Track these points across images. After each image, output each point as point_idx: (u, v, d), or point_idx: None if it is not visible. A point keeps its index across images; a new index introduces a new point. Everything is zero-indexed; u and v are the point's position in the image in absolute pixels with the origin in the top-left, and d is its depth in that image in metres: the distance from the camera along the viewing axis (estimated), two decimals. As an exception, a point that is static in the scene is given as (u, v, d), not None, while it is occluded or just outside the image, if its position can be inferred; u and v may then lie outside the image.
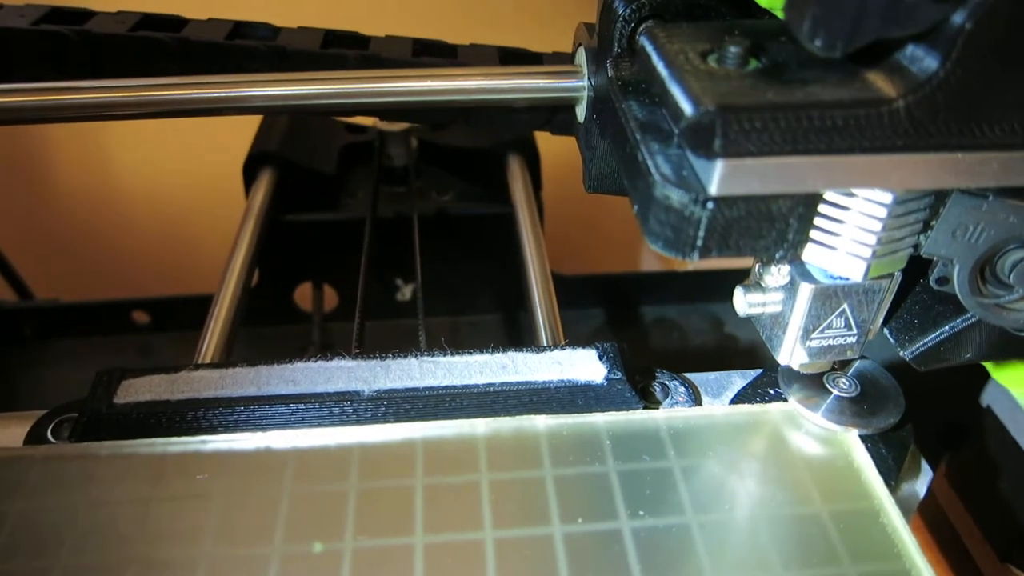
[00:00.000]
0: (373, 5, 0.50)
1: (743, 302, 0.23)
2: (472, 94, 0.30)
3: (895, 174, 0.19)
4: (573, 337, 0.32)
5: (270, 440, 0.25)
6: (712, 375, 0.28)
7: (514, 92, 0.30)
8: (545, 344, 0.33)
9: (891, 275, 0.22)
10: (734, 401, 0.27)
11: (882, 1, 0.16)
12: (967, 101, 0.18)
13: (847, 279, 0.22)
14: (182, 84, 0.29)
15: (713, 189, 0.18)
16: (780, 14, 0.22)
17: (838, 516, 0.23)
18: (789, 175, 0.18)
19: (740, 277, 0.25)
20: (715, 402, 0.27)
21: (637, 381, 0.26)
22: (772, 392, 0.26)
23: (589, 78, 0.28)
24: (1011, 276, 0.22)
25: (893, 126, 0.18)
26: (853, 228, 0.20)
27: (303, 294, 0.50)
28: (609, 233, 0.71)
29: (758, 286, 0.23)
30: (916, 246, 0.22)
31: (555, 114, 0.35)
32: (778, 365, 0.26)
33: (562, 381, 0.26)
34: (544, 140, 0.48)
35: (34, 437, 0.26)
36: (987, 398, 0.40)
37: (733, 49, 0.19)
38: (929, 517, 0.41)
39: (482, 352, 0.27)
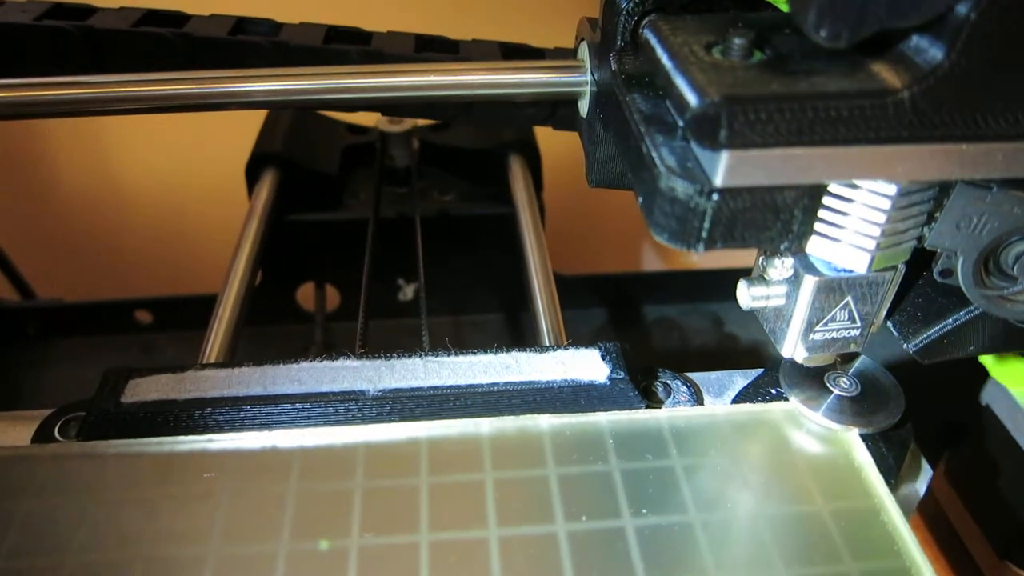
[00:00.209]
0: (375, 1, 0.50)
1: (747, 295, 0.23)
2: (475, 89, 0.30)
3: (900, 165, 0.19)
4: (574, 337, 0.32)
5: (276, 439, 0.25)
6: (714, 375, 0.28)
7: (517, 87, 0.30)
8: (548, 344, 0.33)
9: (895, 267, 0.22)
10: (736, 400, 0.27)
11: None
12: (972, 92, 0.18)
13: (851, 271, 0.22)
14: (185, 79, 0.29)
15: (718, 180, 0.18)
16: (783, 6, 0.22)
17: (839, 514, 0.23)
18: (794, 166, 0.18)
19: (741, 276, 0.25)
20: (717, 401, 0.27)
21: (640, 381, 0.27)
22: (773, 391, 0.27)
23: (592, 72, 0.28)
24: (1015, 268, 0.22)
25: (898, 117, 0.18)
26: (857, 220, 0.20)
27: (305, 294, 0.51)
28: (609, 233, 0.72)
29: (761, 279, 0.23)
30: (920, 238, 0.22)
31: (557, 109, 0.35)
32: (779, 365, 0.27)
33: (565, 381, 0.26)
34: (544, 141, 0.49)
35: (41, 436, 0.27)
36: (986, 397, 0.40)
37: (737, 41, 0.19)
38: (928, 515, 0.41)
39: (486, 352, 0.27)
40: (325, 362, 0.27)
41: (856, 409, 0.25)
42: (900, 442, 0.25)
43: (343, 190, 0.48)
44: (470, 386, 0.26)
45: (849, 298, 0.22)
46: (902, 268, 0.22)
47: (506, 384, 0.26)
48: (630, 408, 0.26)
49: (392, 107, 0.34)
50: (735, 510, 0.23)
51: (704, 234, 0.19)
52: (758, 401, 0.26)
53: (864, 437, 0.25)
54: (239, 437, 0.26)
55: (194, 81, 0.29)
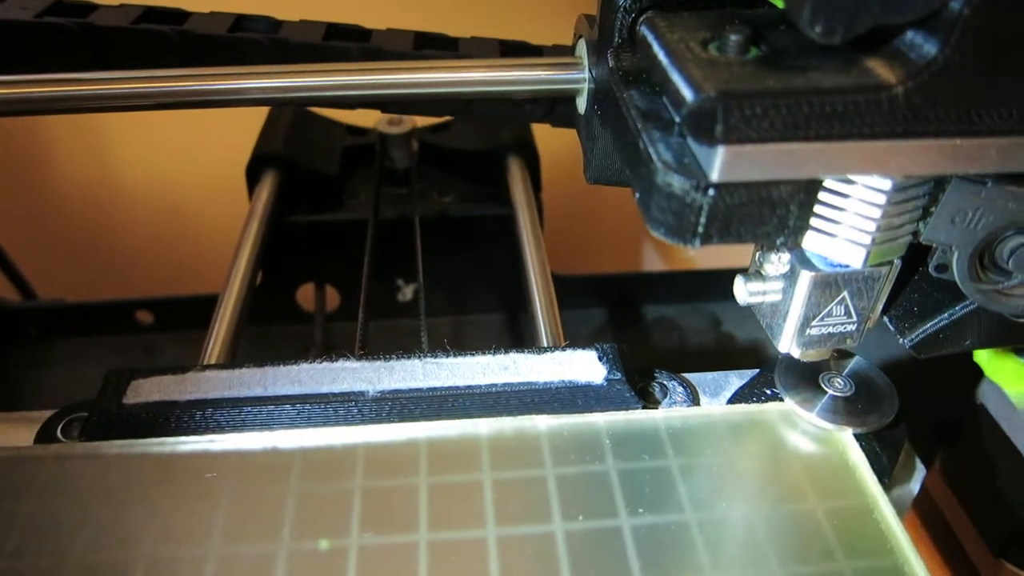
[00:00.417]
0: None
1: (743, 291, 0.24)
2: (473, 86, 0.30)
3: (894, 160, 0.19)
4: (572, 337, 0.32)
5: (277, 440, 0.26)
6: (710, 375, 0.28)
7: (515, 84, 0.30)
8: (546, 344, 0.34)
9: (890, 263, 0.22)
10: (731, 401, 0.27)
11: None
12: (966, 87, 0.18)
13: (847, 266, 0.22)
14: (185, 76, 0.29)
15: (714, 175, 0.18)
16: (779, 3, 0.22)
17: (833, 513, 0.23)
18: (790, 161, 0.18)
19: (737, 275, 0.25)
20: (713, 402, 0.27)
21: (636, 381, 0.27)
22: (768, 392, 0.27)
23: (590, 69, 0.28)
24: (1010, 262, 0.22)
25: (892, 112, 0.18)
26: (853, 215, 0.20)
27: (305, 294, 0.51)
28: (607, 233, 0.72)
29: (758, 275, 0.24)
30: (915, 233, 0.22)
31: (555, 106, 0.35)
32: (775, 366, 0.27)
33: (563, 382, 0.26)
34: (542, 141, 0.49)
35: (44, 436, 0.27)
36: (980, 396, 0.40)
37: (733, 37, 0.19)
38: (924, 513, 0.42)
39: (484, 353, 0.27)
40: (325, 363, 0.27)
41: (850, 409, 0.25)
42: (894, 442, 0.25)
43: (343, 191, 0.49)
44: (468, 387, 0.26)
45: (845, 293, 0.23)
46: (898, 263, 0.23)
47: (504, 385, 0.26)
48: (627, 409, 0.26)
49: (390, 104, 0.33)
50: (730, 509, 0.24)
51: (700, 229, 0.19)
52: (753, 401, 0.27)
53: (858, 437, 0.25)
54: (240, 438, 0.26)
55: (194, 78, 0.29)
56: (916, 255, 0.24)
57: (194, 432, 0.26)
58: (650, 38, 0.21)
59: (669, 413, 0.26)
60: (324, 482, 0.25)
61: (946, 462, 0.40)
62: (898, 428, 0.26)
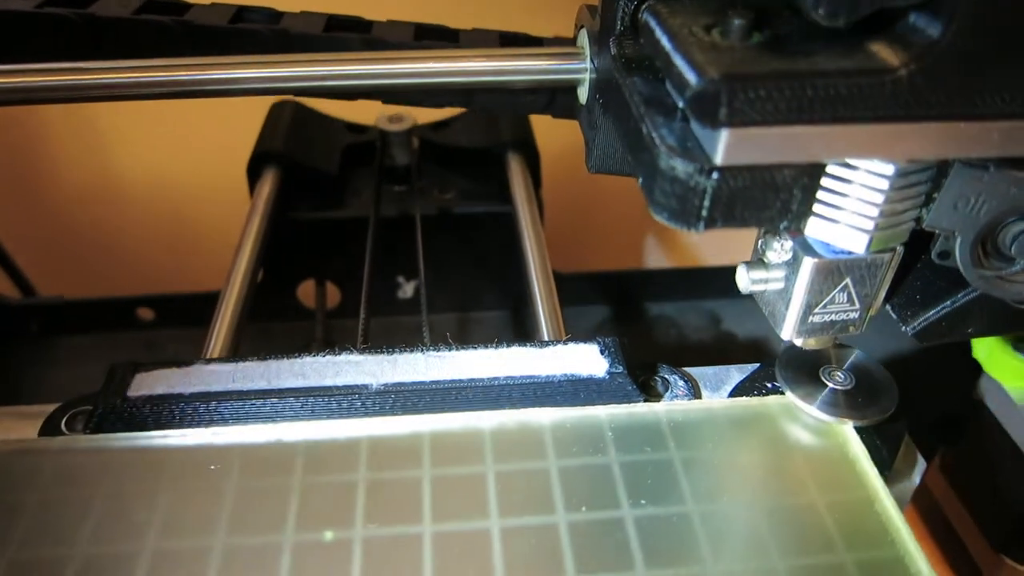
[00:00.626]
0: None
1: (746, 278, 0.24)
2: (474, 76, 0.30)
3: (897, 144, 0.19)
4: (572, 333, 0.32)
5: (281, 432, 0.26)
6: (710, 369, 0.28)
7: (516, 74, 0.30)
8: (547, 339, 0.34)
9: (893, 249, 0.22)
10: (732, 394, 0.27)
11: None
12: (968, 70, 0.18)
13: (849, 253, 0.22)
14: (185, 65, 0.29)
15: (718, 159, 0.18)
16: None
17: (833, 505, 0.24)
18: (793, 144, 0.19)
19: (734, 274, 0.25)
20: (714, 395, 0.28)
21: (638, 375, 0.27)
22: (769, 385, 0.27)
23: (592, 59, 0.28)
24: (1012, 248, 0.22)
25: (895, 95, 0.18)
26: (855, 200, 0.20)
27: (305, 291, 0.51)
28: (606, 229, 0.72)
29: (760, 263, 0.24)
30: (918, 219, 0.22)
31: (555, 97, 0.35)
32: (775, 360, 0.27)
33: (565, 375, 0.26)
34: (540, 139, 0.49)
35: (48, 429, 0.27)
36: (980, 392, 0.40)
37: (736, 22, 0.19)
38: (924, 509, 0.42)
39: (486, 347, 0.27)
40: (328, 356, 0.27)
41: (850, 402, 0.26)
42: (894, 435, 0.26)
43: (343, 189, 0.49)
44: (471, 380, 0.27)
45: (848, 280, 0.23)
46: (900, 250, 0.23)
47: (507, 378, 0.27)
48: (629, 402, 0.26)
49: (391, 95, 0.33)
50: (732, 502, 0.24)
51: (704, 213, 0.20)
52: (754, 395, 0.27)
53: (858, 430, 0.25)
54: (244, 430, 0.26)
55: (194, 67, 0.29)
56: (919, 243, 0.24)
57: (198, 425, 0.26)
58: (653, 24, 0.22)
59: (671, 406, 0.26)
60: (328, 474, 0.25)
61: (946, 458, 0.41)
62: (898, 421, 0.26)
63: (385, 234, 0.44)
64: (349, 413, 0.26)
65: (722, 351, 0.49)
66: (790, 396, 0.26)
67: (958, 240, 0.22)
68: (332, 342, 0.50)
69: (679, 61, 0.19)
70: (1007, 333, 0.39)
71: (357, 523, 0.23)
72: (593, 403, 0.26)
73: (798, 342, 0.24)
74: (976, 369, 0.40)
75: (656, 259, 0.70)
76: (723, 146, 0.18)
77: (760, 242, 0.24)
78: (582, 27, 0.30)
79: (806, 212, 0.21)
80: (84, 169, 0.68)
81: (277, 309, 0.50)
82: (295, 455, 0.25)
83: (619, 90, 0.23)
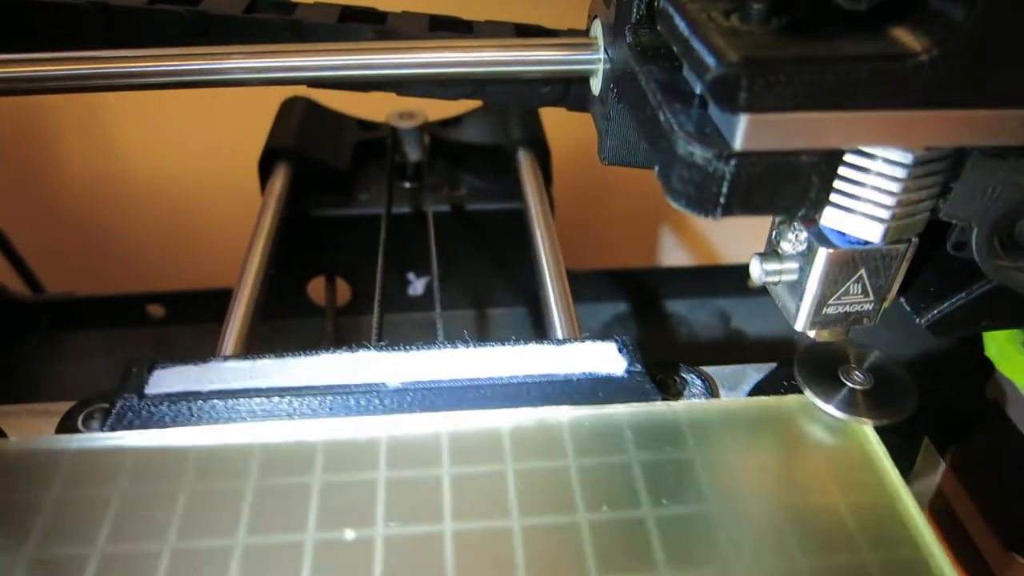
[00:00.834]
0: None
1: (759, 270, 0.23)
2: (486, 67, 0.30)
3: (918, 130, 0.19)
4: (587, 333, 0.32)
5: (300, 430, 0.26)
6: (728, 368, 0.28)
7: (529, 64, 0.30)
8: (561, 337, 0.34)
9: (908, 240, 0.22)
10: (751, 393, 0.27)
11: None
12: (991, 56, 0.18)
13: (865, 243, 0.22)
14: (199, 55, 0.29)
15: (737, 144, 0.18)
16: None
17: (855, 506, 0.23)
18: (812, 131, 0.18)
19: (745, 273, 0.25)
20: (731, 395, 0.27)
21: (655, 374, 0.27)
22: (788, 384, 0.27)
23: (605, 50, 0.28)
24: None
25: (917, 81, 0.18)
26: (872, 189, 0.20)
27: (315, 288, 0.51)
28: (614, 228, 0.72)
29: (774, 254, 0.23)
30: (935, 209, 0.21)
31: (570, 89, 0.35)
32: (793, 359, 0.27)
33: (583, 374, 0.26)
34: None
35: (65, 427, 0.27)
36: (992, 391, 0.40)
37: (756, 7, 0.19)
38: (934, 507, 0.42)
39: (504, 345, 0.27)
40: (346, 354, 0.27)
41: (870, 402, 0.25)
42: (913, 435, 0.25)
43: (354, 185, 0.49)
44: (490, 379, 0.26)
45: (863, 271, 0.22)
46: (915, 242, 0.22)
47: (525, 377, 0.26)
48: (647, 400, 0.26)
49: (399, 85, 0.33)
50: (753, 501, 0.24)
51: (722, 200, 0.19)
52: (773, 394, 0.27)
53: (878, 430, 0.25)
54: (264, 428, 0.26)
55: (208, 57, 0.29)
56: (934, 237, 0.23)
57: (217, 422, 0.26)
58: (671, 10, 0.21)
59: (690, 405, 0.26)
60: (348, 473, 0.25)
61: (956, 457, 0.41)
62: (917, 422, 0.26)
63: (396, 231, 0.44)
64: (368, 411, 0.26)
65: (733, 349, 0.48)
66: (809, 396, 0.26)
67: (974, 231, 0.22)
68: (343, 339, 0.50)
69: (698, 46, 0.19)
70: (1022, 327, 0.39)
71: (378, 522, 0.23)
72: (612, 402, 0.26)
73: (811, 334, 0.24)
74: (988, 368, 0.40)
75: (666, 256, 0.70)
76: (742, 131, 0.18)
77: (774, 233, 0.24)
78: (595, 17, 0.29)
79: (823, 200, 0.20)
80: (90, 166, 0.68)
81: (287, 306, 0.50)
82: (314, 453, 0.25)
83: (635, 79, 0.23)
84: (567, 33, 0.35)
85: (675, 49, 0.21)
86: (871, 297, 0.23)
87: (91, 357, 0.49)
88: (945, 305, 0.24)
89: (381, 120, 0.51)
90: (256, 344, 0.36)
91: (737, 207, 0.19)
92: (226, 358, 0.27)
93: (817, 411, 0.26)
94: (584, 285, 0.50)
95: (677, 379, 0.27)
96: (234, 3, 0.33)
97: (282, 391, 0.26)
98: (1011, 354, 0.39)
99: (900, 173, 0.20)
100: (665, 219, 0.70)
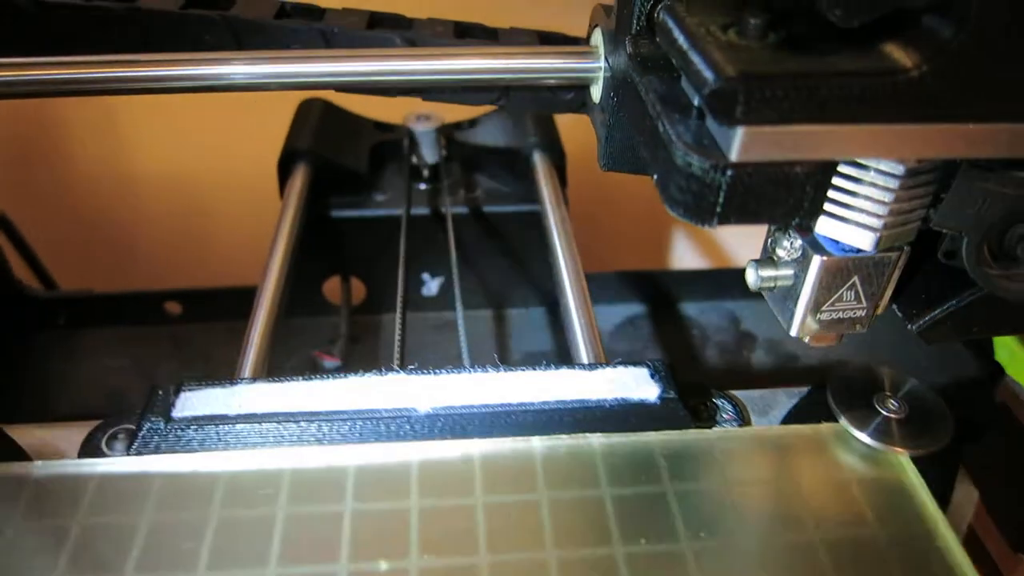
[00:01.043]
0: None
1: (755, 276, 0.23)
2: (487, 74, 0.30)
3: (909, 144, 0.19)
4: (620, 358, 0.31)
5: (331, 456, 0.24)
6: (757, 393, 0.27)
7: (530, 72, 0.30)
8: (581, 342, 0.32)
9: (901, 249, 0.22)
10: (784, 421, 0.26)
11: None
12: (980, 72, 0.18)
13: (858, 251, 0.21)
14: (226, 59, 0.28)
15: (734, 156, 0.18)
16: None
17: (893, 538, 0.22)
18: (807, 143, 0.18)
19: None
20: (762, 420, 0.26)
21: (686, 399, 0.26)
22: (821, 412, 0.26)
23: (606, 58, 0.28)
24: (1018, 249, 0.21)
25: (908, 96, 0.18)
26: (865, 199, 0.20)
27: (329, 287, 0.49)
28: (622, 231, 0.70)
29: (770, 260, 0.23)
30: (926, 219, 0.21)
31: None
32: (825, 385, 0.26)
33: (616, 400, 0.25)
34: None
35: (88, 448, 0.26)
36: (1001, 394, 0.39)
37: (753, 22, 0.19)
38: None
39: (535, 369, 0.26)
40: (374, 377, 0.26)
41: (906, 431, 0.24)
42: (949, 464, 0.24)
43: (371, 186, 0.47)
44: (521, 404, 0.25)
45: (856, 278, 0.22)
46: (907, 250, 0.22)
47: (557, 402, 0.25)
48: (681, 428, 0.25)
49: (418, 91, 0.32)
50: (791, 533, 0.22)
51: (719, 209, 0.19)
52: (806, 422, 0.25)
53: (913, 459, 0.24)
54: (293, 453, 0.24)
55: (238, 61, 0.28)
56: (926, 245, 0.23)
57: (245, 447, 0.25)
58: (670, 23, 0.21)
59: (724, 433, 0.25)
60: (380, 501, 0.23)
61: (966, 460, 0.40)
62: (953, 451, 0.24)
63: (411, 232, 0.42)
64: (398, 436, 0.25)
65: (740, 350, 0.47)
66: (844, 424, 0.25)
67: (964, 240, 0.22)
68: (357, 337, 0.48)
69: (697, 59, 0.19)
70: (1011, 333, 0.38)
71: (412, 553, 0.22)
72: (644, 429, 0.25)
73: (805, 339, 0.24)
74: (997, 371, 0.39)
75: (675, 259, 0.68)
76: (739, 143, 0.18)
77: (769, 240, 0.24)
78: (596, 26, 0.29)
79: (817, 209, 0.20)
80: (103, 164, 0.66)
81: (302, 304, 0.48)
82: (345, 480, 0.24)
83: (634, 89, 0.23)
84: (567, 40, 0.34)
85: (674, 61, 0.21)
86: (864, 304, 0.23)
87: (108, 354, 0.48)
88: (936, 312, 0.24)
89: (396, 122, 0.49)
90: (276, 343, 0.34)
91: (733, 216, 0.20)
92: (253, 380, 0.26)
93: (852, 440, 0.25)
94: (595, 286, 0.48)
95: (708, 405, 0.26)
96: (265, 9, 0.32)
97: (311, 416, 0.25)
98: (1021, 358, 0.38)
99: (892, 184, 0.20)
100: (672, 222, 0.68)
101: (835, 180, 0.20)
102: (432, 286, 0.49)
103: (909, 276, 0.24)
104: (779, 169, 0.19)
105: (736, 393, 0.27)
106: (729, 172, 0.19)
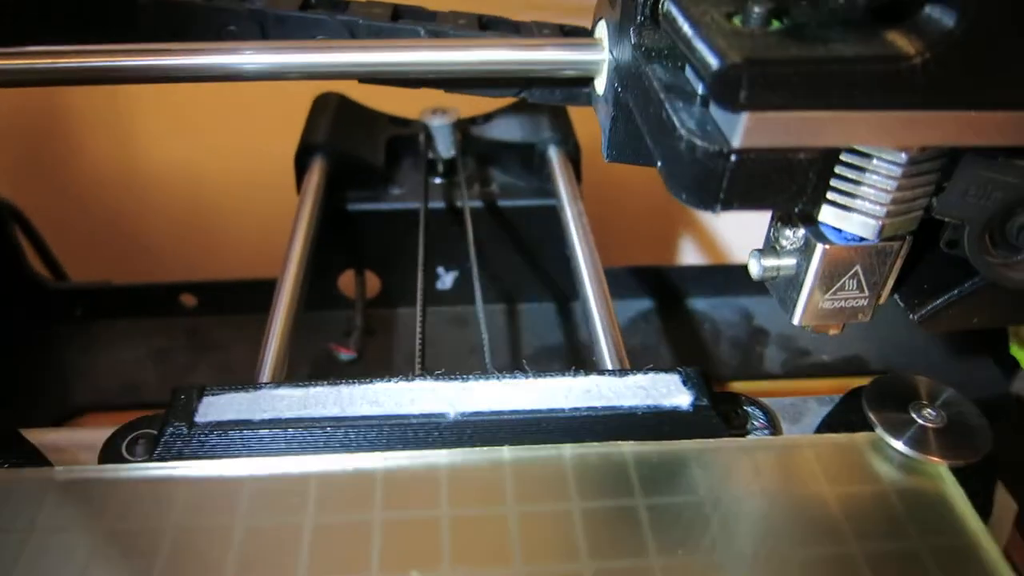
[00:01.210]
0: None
1: (758, 265, 0.23)
2: (492, 65, 0.29)
3: (911, 131, 0.18)
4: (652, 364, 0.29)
5: (359, 462, 0.23)
6: (787, 400, 0.26)
7: (536, 64, 0.29)
8: (603, 340, 0.30)
9: (903, 238, 0.21)
10: (818, 429, 0.25)
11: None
12: (981, 60, 0.17)
13: (861, 239, 0.21)
14: (254, 49, 0.28)
15: (737, 141, 0.18)
16: None
17: (935, 550, 0.21)
18: (809, 129, 0.18)
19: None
20: (794, 428, 0.25)
21: (717, 406, 0.24)
22: (855, 420, 0.24)
23: (610, 50, 0.27)
24: (1019, 238, 0.21)
25: (910, 83, 0.17)
26: (868, 187, 0.20)
27: (343, 280, 0.48)
28: (632, 226, 0.68)
29: (772, 250, 0.23)
30: (928, 208, 0.21)
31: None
32: (859, 392, 0.25)
33: (648, 407, 0.24)
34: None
35: (109, 454, 0.24)
36: (1017, 388, 0.38)
37: (756, 10, 0.18)
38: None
39: (564, 375, 0.25)
40: (401, 383, 0.24)
41: (944, 441, 0.23)
42: (987, 476, 0.23)
43: (387, 180, 0.45)
44: (551, 411, 0.24)
45: (858, 267, 0.22)
46: (910, 240, 0.22)
47: (588, 409, 0.24)
48: (714, 436, 0.24)
49: (404, 82, 0.31)
50: (832, 543, 0.21)
51: (722, 195, 0.19)
52: (841, 430, 0.24)
53: (952, 470, 0.23)
54: (320, 460, 0.23)
55: (262, 51, 0.28)
56: (928, 236, 0.22)
57: (271, 454, 0.23)
58: (675, 11, 0.20)
59: (758, 442, 0.24)
60: (410, 509, 0.22)
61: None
62: (991, 462, 0.23)
63: (427, 226, 0.41)
64: (426, 443, 0.23)
65: (752, 346, 0.46)
66: (880, 433, 0.23)
67: (967, 229, 0.21)
68: (372, 330, 0.47)
69: (701, 46, 0.18)
70: (1012, 324, 0.37)
71: (444, 564, 0.21)
72: (678, 437, 0.23)
73: (807, 327, 0.23)
74: (1012, 365, 0.38)
75: (679, 257, 0.67)
76: (742, 129, 0.18)
77: (772, 230, 0.23)
78: (601, 18, 0.28)
79: (820, 196, 0.20)
80: (112, 157, 0.64)
81: (316, 298, 0.47)
82: (373, 488, 0.23)
83: (639, 78, 0.23)
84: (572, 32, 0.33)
85: (678, 49, 0.20)
86: (866, 293, 0.22)
87: (125, 345, 0.46)
88: (938, 302, 0.23)
89: (411, 117, 0.47)
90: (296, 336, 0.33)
91: (736, 202, 0.19)
92: (278, 385, 0.24)
93: (888, 449, 0.23)
94: (607, 281, 0.47)
95: (739, 412, 0.25)
96: (290, 0, 0.31)
97: (337, 421, 0.23)
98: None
99: (895, 172, 0.19)
100: (677, 220, 0.67)
101: (838, 168, 0.20)
102: (446, 280, 0.47)
103: (911, 266, 0.23)
104: (782, 155, 0.19)
105: (765, 400, 0.25)
106: (733, 158, 0.18)
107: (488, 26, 0.33)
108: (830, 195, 0.20)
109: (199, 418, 0.24)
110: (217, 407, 0.24)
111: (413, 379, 0.25)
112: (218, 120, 0.62)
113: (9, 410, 0.42)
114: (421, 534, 0.22)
